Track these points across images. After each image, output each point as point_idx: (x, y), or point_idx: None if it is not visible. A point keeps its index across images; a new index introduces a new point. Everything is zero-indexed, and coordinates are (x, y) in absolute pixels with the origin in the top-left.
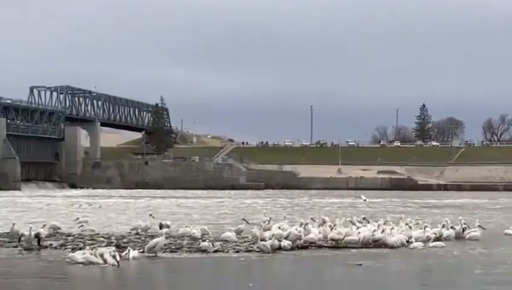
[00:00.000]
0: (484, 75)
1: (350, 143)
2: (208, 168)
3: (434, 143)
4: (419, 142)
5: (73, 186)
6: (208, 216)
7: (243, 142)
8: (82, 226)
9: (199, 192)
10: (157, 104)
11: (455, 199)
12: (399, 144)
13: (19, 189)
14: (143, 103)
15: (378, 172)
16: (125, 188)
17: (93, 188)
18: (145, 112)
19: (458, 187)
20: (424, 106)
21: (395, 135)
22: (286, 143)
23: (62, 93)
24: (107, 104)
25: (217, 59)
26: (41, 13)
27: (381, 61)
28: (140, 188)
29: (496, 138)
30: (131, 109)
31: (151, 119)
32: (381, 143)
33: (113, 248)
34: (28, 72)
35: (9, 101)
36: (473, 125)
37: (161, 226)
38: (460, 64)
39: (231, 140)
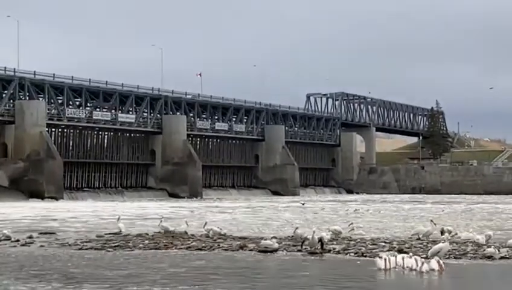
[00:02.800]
0: None
1: None
2: (486, 172)
3: None
4: None
5: (349, 191)
6: (490, 223)
7: None
8: (352, 230)
9: (479, 197)
10: (432, 108)
11: None
12: None
13: (298, 194)
14: (418, 107)
15: None
16: (402, 193)
17: (370, 193)
18: (420, 116)
19: None
20: None
21: None
22: None
23: (337, 100)
24: (382, 109)
25: (499, 59)
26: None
27: None
28: (416, 193)
29: None
30: (406, 114)
31: (427, 123)
32: None
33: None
34: (303, 80)
35: (287, 109)
36: None
37: (442, 232)
38: None
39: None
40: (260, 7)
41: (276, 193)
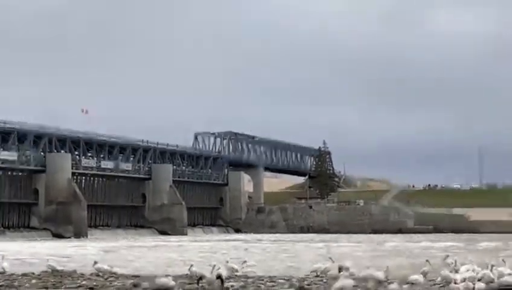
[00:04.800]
0: None
1: None
2: (373, 211)
3: None
4: None
5: (238, 230)
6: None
7: (409, 185)
8: (243, 268)
9: (365, 236)
10: (320, 148)
11: None
12: None
13: (186, 234)
14: (305, 147)
15: None
16: (290, 233)
17: (258, 233)
18: (307, 156)
19: None
20: None
21: None
22: (454, 186)
23: (225, 139)
24: (270, 148)
25: (378, 101)
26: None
27: None
28: (304, 233)
29: None
30: (294, 153)
31: (314, 163)
32: None
33: None
34: (190, 118)
35: (175, 148)
36: None
37: (340, 269)
38: None
39: (395, 183)
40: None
41: (163, 233)
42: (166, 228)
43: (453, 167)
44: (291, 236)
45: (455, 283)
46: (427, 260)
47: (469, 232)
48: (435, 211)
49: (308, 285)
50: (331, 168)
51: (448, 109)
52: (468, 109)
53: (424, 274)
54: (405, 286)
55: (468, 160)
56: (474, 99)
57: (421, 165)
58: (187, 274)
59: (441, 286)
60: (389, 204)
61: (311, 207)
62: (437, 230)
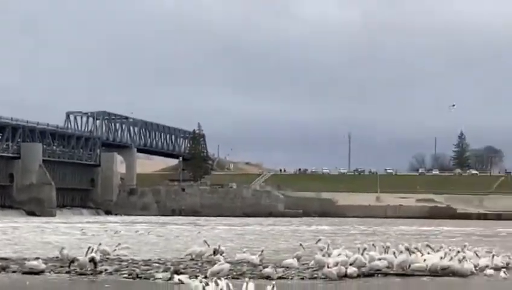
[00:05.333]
0: None
1: (388, 171)
2: (245, 195)
3: (473, 171)
4: (458, 171)
5: (108, 212)
6: (257, 242)
7: (281, 170)
8: (115, 250)
9: (237, 219)
10: (194, 131)
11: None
12: (437, 172)
13: (54, 215)
14: (180, 129)
15: (417, 200)
16: (162, 215)
17: (129, 215)
18: (181, 139)
19: (498, 217)
20: (462, 134)
21: (433, 162)
22: (324, 171)
23: (98, 119)
24: (144, 130)
25: (254, 86)
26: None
27: (420, 89)
28: (177, 215)
29: None
30: (168, 135)
31: (188, 145)
32: (420, 171)
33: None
34: (64, 96)
35: (45, 127)
36: None
37: (215, 252)
38: (497, 93)
39: (268, 167)
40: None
41: (31, 214)
42: (34, 208)
43: (323, 153)
44: (163, 218)
45: (328, 267)
46: (300, 244)
47: (337, 216)
48: (305, 195)
49: (184, 268)
50: (205, 151)
51: (320, 96)
52: (339, 96)
53: (298, 258)
54: (279, 270)
55: (338, 146)
56: (347, 88)
57: (292, 150)
58: (58, 257)
59: (314, 270)
60: (260, 188)
61: (183, 189)
62: (306, 214)
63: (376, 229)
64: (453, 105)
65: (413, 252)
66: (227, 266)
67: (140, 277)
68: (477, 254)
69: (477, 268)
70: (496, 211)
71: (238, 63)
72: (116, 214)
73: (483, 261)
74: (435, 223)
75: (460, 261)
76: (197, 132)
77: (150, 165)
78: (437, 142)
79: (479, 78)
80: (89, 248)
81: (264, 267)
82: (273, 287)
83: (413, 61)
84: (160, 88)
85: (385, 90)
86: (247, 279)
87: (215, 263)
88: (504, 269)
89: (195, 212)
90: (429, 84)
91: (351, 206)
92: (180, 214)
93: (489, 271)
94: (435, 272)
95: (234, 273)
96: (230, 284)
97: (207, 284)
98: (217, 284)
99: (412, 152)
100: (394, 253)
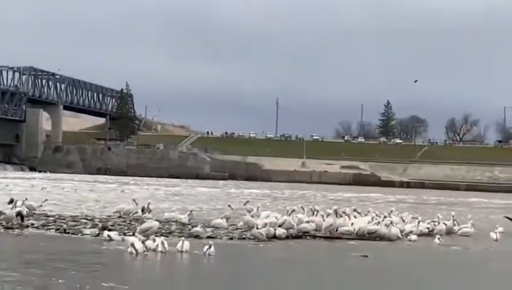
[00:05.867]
0: (448, 75)
1: (315, 137)
2: (172, 156)
3: (397, 140)
4: (382, 139)
5: (33, 169)
6: (183, 203)
7: (208, 132)
8: (41, 206)
9: (165, 180)
10: (122, 90)
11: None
12: (363, 140)
13: None
14: (107, 88)
15: (342, 167)
16: (87, 174)
17: (54, 172)
18: (109, 98)
19: (421, 185)
20: (388, 103)
21: (359, 130)
22: (251, 135)
23: (25, 74)
24: (71, 87)
25: (184, 48)
26: None
27: (348, 57)
28: (102, 174)
29: (458, 138)
30: (95, 94)
31: (115, 104)
32: (345, 138)
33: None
34: None
35: None
36: (436, 124)
37: (143, 210)
38: (424, 63)
39: (195, 129)
40: None
41: None
42: None
43: (250, 117)
44: (88, 177)
45: (257, 228)
46: (229, 205)
47: (262, 180)
48: (231, 158)
49: (112, 225)
50: (132, 111)
51: (249, 61)
52: (268, 62)
53: (227, 219)
54: (208, 229)
55: (266, 112)
56: (277, 53)
57: (220, 113)
58: None
59: (243, 231)
60: (187, 150)
61: (110, 149)
62: (232, 177)
63: (303, 193)
64: (415, 81)
65: (341, 216)
66: (156, 224)
67: (68, 232)
68: (403, 220)
69: (403, 233)
70: (418, 179)
71: (170, 24)
72: (40, 171)
73: (408, 227)
74: (359, 190)
75: (387, 226)
76: (125, 91)
77: (76, 123)
78: (363, 110)
79: (404, 49)
80: (12, 200)
81: (193, 227)
82: (210, 246)
83: (340, 27)
84: (89, 46)
85: (315, 58)
86: (183, 238)
87: (143, 221)
88: (438, 236)
89: (121, 172)
90: (358, 53)
91: (276, 171)
92: (105, 173)
93: (413, 237)
94: (362, 236)
95: (163, 231)
96: (165, 242)
97: (146, 239)
98: (154, 241)
99: (339, 119)
100: (322, 216)
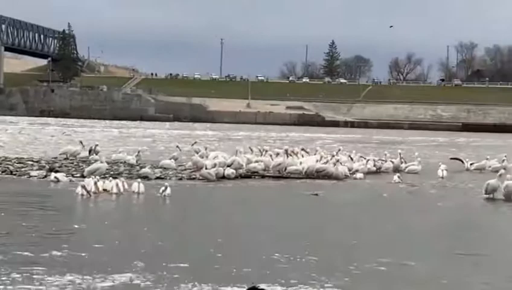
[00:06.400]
0: (392, 14)
1: (260, 78)
2: (116, 98)
3: (342, 80)
4: (327, 79)
5: None
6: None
7: (152, 74)
8: None
9: (108, 122)
10: (64, 31)
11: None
12: (307, 80)
13: None
14: (49, 28)
15: (287, 108)
16: (30, 116)
17: None
18: (51, 38)
19: (365, 124)
20: (333, 42)
21: (304, 71)
22: (195, 76)
23: None
24: (12, 27)
25: None
26: None
27: None
28: (45, 116)
29: (402, 77)
30: (37, 34)
31: (58, 45)
32: (290, 79)
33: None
34: None
35: None
36: (380, 64)
37: (90, 151)
38: (368, 2)
39: (139, 71)
40: None
41: None
42: None
43: (195, 58)
44: (31, 119)
45: (206, 168)
46: (177, 146)
47: (207, 122)
48: (176, 100)
49: (59, 167)
50: (75, 52)
51: (193, 1)
52: (213, 2)
53: (175, 159)
54: (157, 170)
55: (210, 52)
56: None
57: (164, 54)
58: None
59: (192, 171)
60: (131, 91)
61: (53, 90)
62: (177, 118)
63: (250, 134)
64: (391, 26)
65: (290, 155)
66: (104, 165)
67: (15, 174)
68: (351, 158)
69: (350, 172)
70: (363, 119)
71: None
72: None
73: (356, 165)
74: (305, 130)
75: (334, 164)
76: (67, 32)
77: (18, 64)
78: (308, 50)
79: None
80: None
81: (141, 168)
82: (166, 187)
83: None
84: None
85: None
86: (139, 179)
87: (90, 163)
88: (398, 174)
89: (64, 114)
90: None
91: (221, 112)
92: (49, 115)
93: (359, 175)
94: (311, 175)
95: (111, 172)
96: (120, 183)
97: (104, 179)
98: (110, 181)
99: (283, 60)
100: (271, 156)
